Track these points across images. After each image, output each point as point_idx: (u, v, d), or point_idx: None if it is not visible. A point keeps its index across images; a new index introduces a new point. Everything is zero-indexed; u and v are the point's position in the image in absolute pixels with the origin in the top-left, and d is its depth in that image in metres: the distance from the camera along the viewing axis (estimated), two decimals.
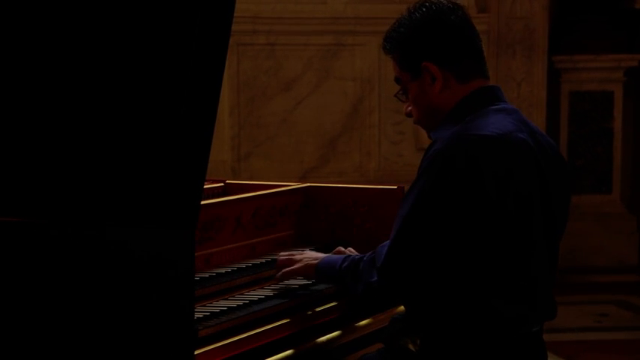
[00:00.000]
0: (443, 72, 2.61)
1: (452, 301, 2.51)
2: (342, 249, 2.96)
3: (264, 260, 3.02)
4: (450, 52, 2.61)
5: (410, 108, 2.70)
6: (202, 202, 2.44)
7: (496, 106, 2.60)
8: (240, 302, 2.64)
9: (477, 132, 2.49)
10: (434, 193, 2.47)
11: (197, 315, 2.43)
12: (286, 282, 2.88)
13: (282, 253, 2.91)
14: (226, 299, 2.68)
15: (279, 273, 2.83)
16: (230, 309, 2.58)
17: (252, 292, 2.77)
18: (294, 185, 3.35)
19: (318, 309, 2.77)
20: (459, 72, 2.62)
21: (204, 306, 2.58)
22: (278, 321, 2.62)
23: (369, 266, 2.60)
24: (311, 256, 2.84)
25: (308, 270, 2.80)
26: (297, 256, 2.85)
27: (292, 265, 2.82)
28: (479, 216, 2.45)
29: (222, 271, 2.84)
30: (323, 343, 2.75)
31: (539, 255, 2.56)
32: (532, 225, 2.52)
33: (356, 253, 2.88)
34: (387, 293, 2.60)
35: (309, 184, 3.39)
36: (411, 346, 2.61)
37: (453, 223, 2.46)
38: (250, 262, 2.97)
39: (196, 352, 2.29)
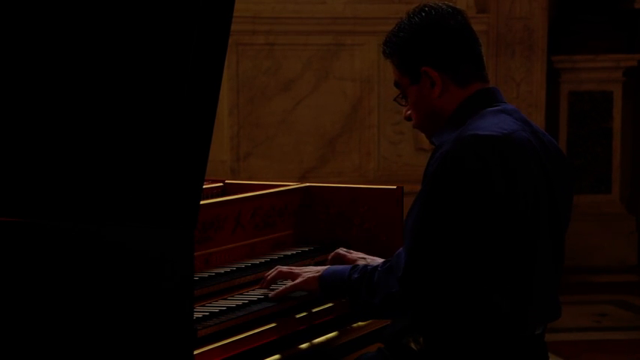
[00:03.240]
0: (442, 77, 2.62)
1: (458, 300, 2.50)
2: (343, 252, 2.95)
3: (263, 260, 3.01)
4: (449, 56, 2.62)
5: (409, 112, 2.70)
6: (202, 202, 2.44)
7: (496, 107, 2.61)
8: (240, 302, 2.64)
9: (483, 132, 2.49)
10: (447, 196, 2.46)
11: (196, 315, 2.43)
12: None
13: (280, 267, 2.80)
14: (225, 299, 2.68)
15: (279, 290, 2.71)
16: (229, 309, 2.57)
17: (251, 292, 2.77)
18: (293, 185, 3.35)
19: (317, 309, 2.77)
20: (458, 77, 2.62)
21: (204, 306, 2.58)
22: (277, 321, 2.62)
23: (386, 276, 2.55)
24: (311, 269, 2.76)
25: (310, 284, 2.71)
26: (296, 271, 2.77)
27: (293, 280, 2.74)
28: (491, 216, 2.45)
29: (222, 271, 2.83)
30: (323, 342, 2.75)
31: (544, 254, 2.56)
32: (539, 224, 2.52)
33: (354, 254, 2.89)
34: (409, 303, 2.54)
35: (308, 184, 3.38)
36: (413, 345, 2.61)
37: (468, 224, 2.45)
38: (249, 262, 2.97)
39: (195, 352, 2.29)
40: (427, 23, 2.63)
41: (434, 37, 2.62)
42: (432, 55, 2.62)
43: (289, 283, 2.73)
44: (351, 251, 2.96)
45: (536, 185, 2.52)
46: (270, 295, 2.71)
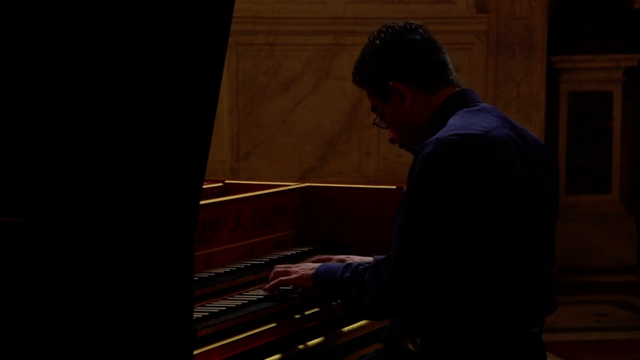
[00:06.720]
0: (410, 89, 2.68)
1: (452, 299, 2.51)
2: (323, 257, 2.94)
3: (263, 260, 3.02)
4: (412, 68, 2.69)
5: (392, 134, 2.76)
6: (201, 202, 2.44)
7: (473, 107, 2.66)
8: (239, 302, 2.64)
9: (464, 131, 2.53)
10: (432, 196, 2.48)
11: (196, 315, 2.43)
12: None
13: (277, 266, 2.83)
14: (225, 299, 2.68)
15: (273, 282, 2.76)
16: (229, 309, 2.58)
17: (251, 293, 2.77)
18: (293, 185, 3.35)
19: (316, 309, 2.77)
20: (426, 85, 2.69)
21: (204, 306, 2.58)
22: (277, 321, 2.62)
23: (376, 277, 2.56)
24: (307, 266, 2.78)
25: (305, 281, 2.73)
26: (294, 268, 2.79)
27: (288, 276, 2.77)
28: (478, 213, 2.47)
29: (221, 271, 2.84)
30: (322, 343, 2.75)
31: (536, 247, 2.58)
32: (528, 217, 2.54)
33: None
34: (398, 304, 2.55)
35: (308, 184, 3.39)
36: (410, 346, 2.61)
37: (455, 223, 2.47)
38: (249, 262, 2.97)
39: (195, 352, 2.29)
40: (387, 42, 2.72)
41: (395, 53, 2.71)
42: (396, 70, 2.69)
43: (284, 278, 2.75)
44: (332, 257, 2.95)
45: (522, 180, 2.55)
46: (268, 284, 2.75)
